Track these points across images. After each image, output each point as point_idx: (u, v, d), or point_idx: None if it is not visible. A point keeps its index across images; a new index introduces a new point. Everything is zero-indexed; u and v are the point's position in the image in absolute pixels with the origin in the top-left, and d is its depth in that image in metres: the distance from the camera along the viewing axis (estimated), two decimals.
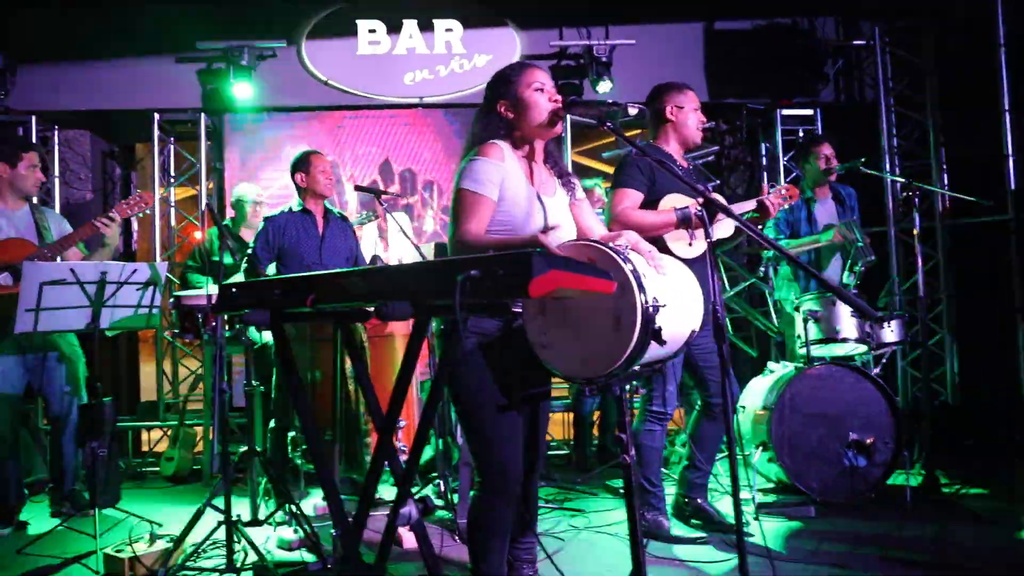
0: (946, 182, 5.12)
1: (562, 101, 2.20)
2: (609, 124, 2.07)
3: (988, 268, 4.97)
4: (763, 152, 5.79)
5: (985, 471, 4.21)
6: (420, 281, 1.47)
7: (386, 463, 1.84)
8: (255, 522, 3.06)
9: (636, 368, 2.06)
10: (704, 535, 3.24)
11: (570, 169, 2.43)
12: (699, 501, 3.39)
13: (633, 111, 1.95)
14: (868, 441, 3.74)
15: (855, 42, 5.26)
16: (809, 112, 5.59)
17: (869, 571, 2.86)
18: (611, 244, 1.99)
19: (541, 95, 2.19)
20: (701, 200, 1.85)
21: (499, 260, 1.35)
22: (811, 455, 3.73)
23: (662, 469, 3.39)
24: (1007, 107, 4.78)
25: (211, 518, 2.89)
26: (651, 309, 1.93)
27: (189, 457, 4.67)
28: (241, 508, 3.14)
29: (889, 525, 3.39)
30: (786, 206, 3.01)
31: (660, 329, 1.98)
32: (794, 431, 3.75)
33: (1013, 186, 4.76)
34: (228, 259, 4.11)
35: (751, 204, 3.00)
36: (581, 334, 1.97)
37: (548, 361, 2.05)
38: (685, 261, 2.41)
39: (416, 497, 1.89)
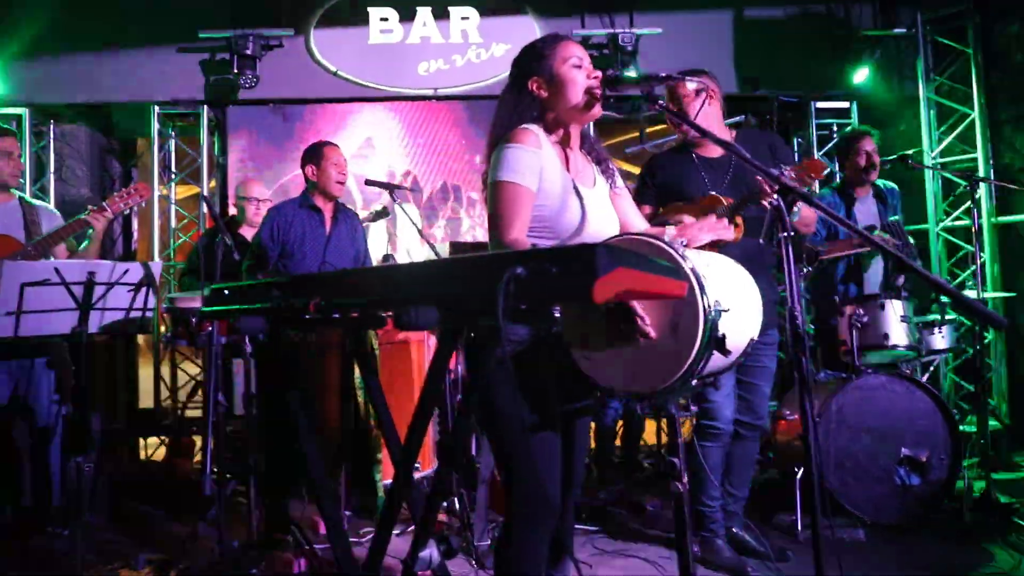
0: (991, 178, 4.80)
1: (603, 77, 1.93)
2: (661, 103, 1.79)
3: None
4: (795, 147, 5.48)
5: None
6: (450, 282, 1.18)
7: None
8: (252, 545, 2.78)
9: (694, 382, 1.79)
10: (749, 561, 2.96)
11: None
12: (734, 530, 3.11)
13: (692, 85, 1.67)
14: (923, 458, 3.44)
15: (895, 30, 4.95)
16: (845, 105, 5.27)
17: None
18: (665, 238, 1.71)
19: (579, 72, 1.92)
20: (776, 186, 1.55)
21: (553, 255, 1.06)
22: (860, 473, 3.42)
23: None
24: None
25: (206, 540, 2.63)
26: (714, 313, 1.66)
27: (188, 468, 4.40)
28: (239, 529, 2.87)
29: (948, 550, 3.11)
30: (807, 187, 2.59)
31: (724, 337, 1.70)
32: (841, 447, 3.44)
33: None
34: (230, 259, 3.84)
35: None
36: (633, 344, 1.69)
37: (592, 374, 1.76)
38: None
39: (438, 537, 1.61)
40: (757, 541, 3.09)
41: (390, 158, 5.40)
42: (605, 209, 1.99)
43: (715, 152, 2.93)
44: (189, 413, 4.86)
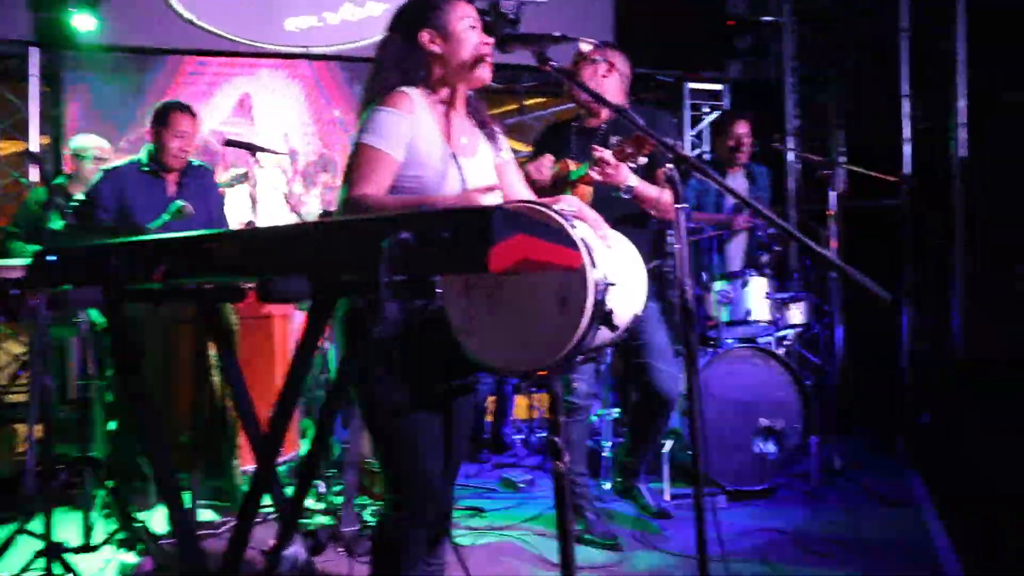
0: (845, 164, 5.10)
1: (494, 41, 1.84)
2: (552, 63, 1.70)
3: (881, 251, 5.05)
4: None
5: (873, 450, 4.26)
6: (324, 248, 1.02)
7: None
8: (88, 547, 2.47)
9: (579, 358, 1.74)
10: (619, 542, 2.96)
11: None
12: (635, 483, 3.30)
13: (586, 47, 1.59)
14: (778, 426, 3.64)
15: (764, 18, 5.13)
16: (718, 87, 5.44)
17: (787, 562, 2.76)
18: (555, 207, 1.64)
19: (474, 33, 1.81)
20: (671, 156, 1.51)
21: (444, 218, 0.93)
22: (723, 443, 3.56)
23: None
24: (906, 92, 4.81)
25: (30, 545, 2.30)
26: (603, 287, 1.60)
27: (10, 462, 3.90)
28: (72, 530, 2.55)
29: (799, 512, 3.31)
30: (638, 162, 2.58)
31: (612, 312, 1.66)
32: (706, 418, 3.56)
33: (909, 170, 4.83)
34: (58, 223, 3.39)
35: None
36: (517, 318, 1.60)
37: (474, 352, 1.66)
38: None
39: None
40: (651, 495, 3.26)
41: (263, 120, 5.00)
42: (487, 179, 1.89)
43: (594, 123, 2.94)
44: (12, 398, 4.31)
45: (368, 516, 3.07)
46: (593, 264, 1.57)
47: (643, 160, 2.44)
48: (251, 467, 3.23)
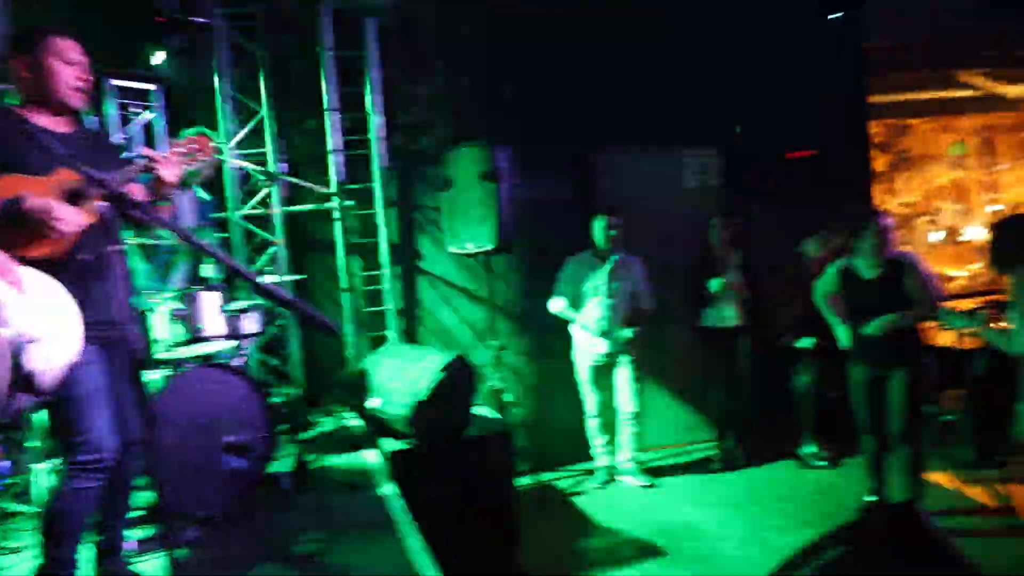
0: (280, 173, 5.29)
1: None
2: None
3: (322, 252, 5.46)
4: (94, 124, 4.93)
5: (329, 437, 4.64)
6: None
7: None
8: None
9: None
10: None
11: None
12: (112, 567, 2.66)
13: None
14: (244, 440, 3.63)
15: (196, 19, 4.88)
16: (150, 87, 4.99)
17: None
18: None
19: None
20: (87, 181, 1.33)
21: None
22: (191, 470, 3.41)
23: None
24: (334, 107, 5.23)
25: None
26: (18, 348, 1.37)
27: None
28: None
29: (274, 519, 3.44)
30: (201, 163, 2.39)
31: (32, 374, 1.44)
32: (171, 448, 3.33)
33: (342, 178, 5.30)
34: None
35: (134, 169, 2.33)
36: None
37: None
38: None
39: None
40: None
41: None
42: None
43: (64, 125, 2.45)
44: None
45: None
46: (3, 324, 1.32)
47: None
48: None
